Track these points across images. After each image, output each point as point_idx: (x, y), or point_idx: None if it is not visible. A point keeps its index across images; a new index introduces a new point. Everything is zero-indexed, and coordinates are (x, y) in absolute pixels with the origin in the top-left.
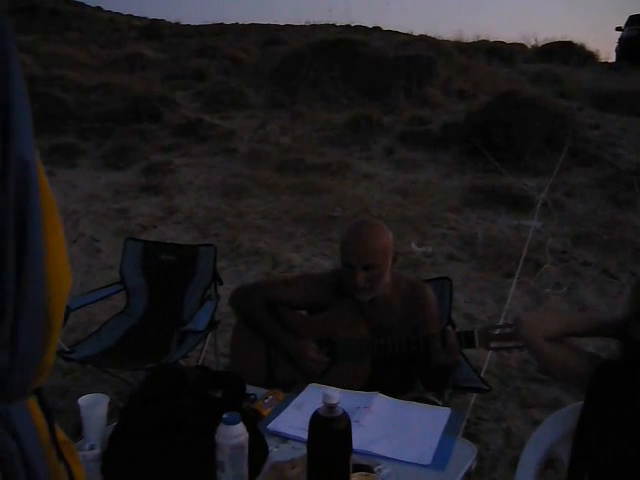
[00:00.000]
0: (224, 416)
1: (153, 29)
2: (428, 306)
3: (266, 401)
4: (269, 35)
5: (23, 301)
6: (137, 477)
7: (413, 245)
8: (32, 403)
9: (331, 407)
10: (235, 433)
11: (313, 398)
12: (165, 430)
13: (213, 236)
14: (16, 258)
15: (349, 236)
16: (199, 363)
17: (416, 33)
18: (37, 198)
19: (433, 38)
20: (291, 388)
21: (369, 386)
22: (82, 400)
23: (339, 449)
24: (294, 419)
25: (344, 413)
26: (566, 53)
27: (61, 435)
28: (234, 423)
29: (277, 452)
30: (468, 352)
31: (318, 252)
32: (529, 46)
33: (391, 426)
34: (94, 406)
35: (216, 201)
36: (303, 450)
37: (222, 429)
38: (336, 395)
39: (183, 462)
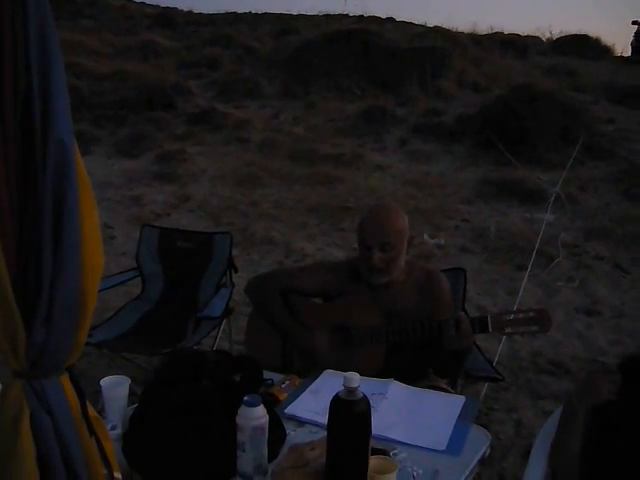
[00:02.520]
0: (245, 398)
1: (166, 17)
2: (442, 293)
3: (283, 386)
4: (282, 24)
5: (59, 280)
6: (158, 457)
7: (426, 236)
8: (65, 380)
9: (351, 390)
10: (256, 415)
11: (329, 384)
12: (185, 412)
13: (226, 224)
14: (53, 238)
15: (366, 217)
16: (213, 349)
17: (430, 24)
18: (74, 180)
19: (448, 30)
20: (307, 374)
21: (383, 372)
22: (104, 381)
23: (359, 432)
24: (310, 404)
25: (364, 396)
26: (581, 46)
27: (91, 411)
28: (255, 405)
29: (294, 435)
30: (480, 343)
31: (331, 242)
32: (544, 39)
33: (406, 412)
34: (116, 387)
35: (229, 190)
36: (320, 434)
37: (243, 411)
38: (356, 378)
39: (203, 443)
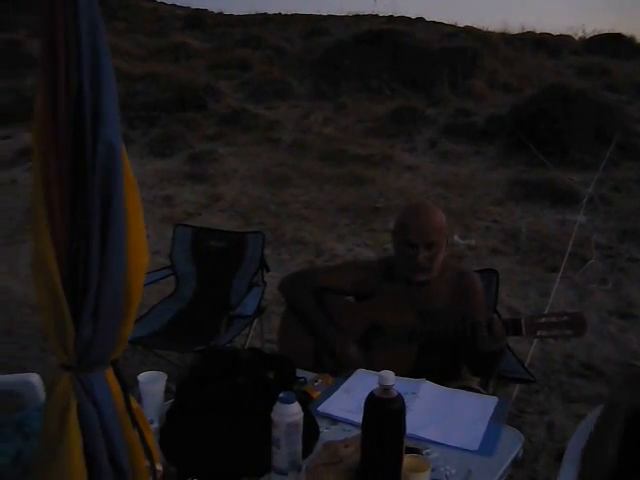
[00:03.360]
0: (281, 395)
1: (197, 19)
2: (475, 292)
3: (316, 384)
4: (312, 25)
5: (106, 278)
6: (194, 451)
7: (456, 237)
8: (109, 373)
9: (386, 388)
10: (291, 412)
11: (361, 382)
12: (221, 408)
13: (257, 224)
14: (101, 238)
15: (409, 216)
16: (245, 347)
17: (461, 24)
18: (121, 180)
19: (478, 29)
20: (338, 373)
21: (415, 372)
22: (142, 377)
23: (393, 430)
24: (343, 402)
25: (399, 395)
26: (615, 45)
27: (134, 404)
28: (290, 402)
29: (328, 433)
30: (512, 345)
31: (361, 242)
32: (576, 38)
33: (438, 412)
34: (153, 383)
35: (260, 190)
36: (353, 432)
37: (279, 407)
38: (391, 377)
39: (239, 438)
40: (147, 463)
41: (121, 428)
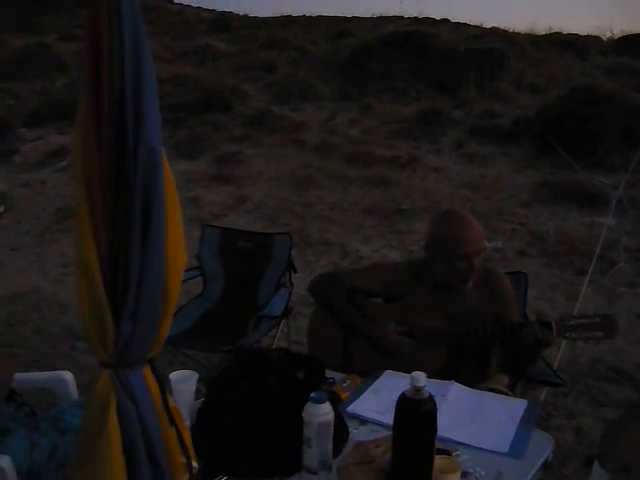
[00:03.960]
0: (312, 395)
1: (222, 21)
2: (504, 292)
3: (344, 385)
4: (337, 27)
5: (145, 277)
6: (225, 449)
7: None
8: (147, 371)
9: (418, 389)
10: (322, 411)
11: (390, 384)
12: (251, 406)
13: (282, 226)
14: (141, 238)
15: (454, 229)
16: (272, 348)
17: (486, 25)
18: (161, 182)
19: (505, 30)
20: (367, 374)
21: (444, 374)
22: (173, 376)
23: (425, 430)
24: (372, 403)
25: (430, 396)
26: None
27: (171, 402)
28: (322, 402)
29: (357, 433)
30: None
31: (386, 244)
32: (604, 38)
33: (468, 414)
34: (184, 381)
35: (286, 191)
36: (382, 432)
37: (310, 407)
38: (423, 377)
39: (269, 437)
40: (183, 460)
41: (159, 425)
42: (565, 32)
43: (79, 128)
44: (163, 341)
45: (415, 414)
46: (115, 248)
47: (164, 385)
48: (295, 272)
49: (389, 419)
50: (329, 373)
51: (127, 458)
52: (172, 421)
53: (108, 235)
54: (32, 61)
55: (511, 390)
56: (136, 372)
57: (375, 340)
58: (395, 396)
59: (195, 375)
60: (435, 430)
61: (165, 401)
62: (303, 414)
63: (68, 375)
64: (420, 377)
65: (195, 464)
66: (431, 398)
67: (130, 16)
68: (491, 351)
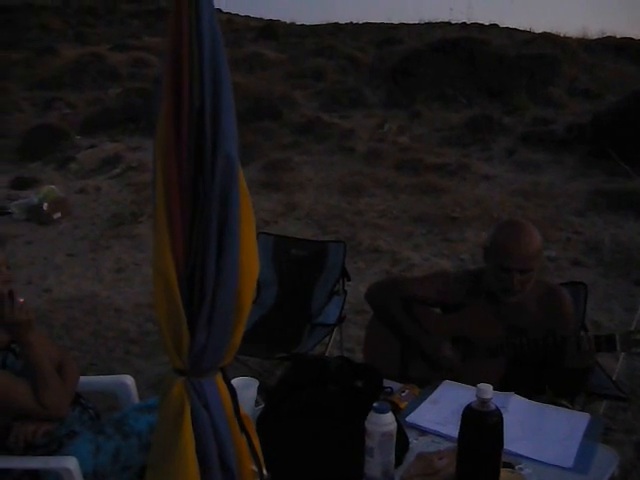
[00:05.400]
0: (375, 405)
1: (270, 29)
2: (564, 309)
3: (403, 395)
4: (384, 34)
5: (220, 286)
6: (286, 457)
7: None
8: (219, 379)
9: (484, 401)
10: (385, 421)
11: (448, 394)
12: (312, 414)
13: (332, 233)
14: (217, 246)
15: (506, 239)
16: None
17: (537, 30)
18: (237, 192)
19: (556, 35)
20: (423, 383)
21: (503, 386)
22: (234, 382)
23: (491, 443)
24: (431, 414)
25: (497, 408)
26: None
27: (242, 410)
28: (385, 412)
29: (417, 444)
30: (599, 360)
31: (437, 252)
32: None
33: (530, 427)
34: (245, 389)
35: (335, 199)
36: (443, 443)
37: (373, 417)
38: (489, 389)
39: (331, 446)
40: (254, 468)
41: (230, 432)
42: (619, 36)
43: (159, 141)
44: (236, 349)
45: (482, 426)
46: (192, 257)
47: (235, 393)
48: (349, 280)
49: (449, 430)
50: (386, 382)
51: (200, 463)
52: (243, 428)
53: (185, 244)
54: (86, 71)
55: (571, 402)
56: (209, 380)
57: (430, 355)
58: (454, 407)
59: (255, 382)
60: (502, 443)
61: (236, 409)
62: (366, 424)
63: (129, 379)
64: (487, 389)
65: (265, 472)
66: (498, 411)
67: (209, 25)
68: (549, 365)
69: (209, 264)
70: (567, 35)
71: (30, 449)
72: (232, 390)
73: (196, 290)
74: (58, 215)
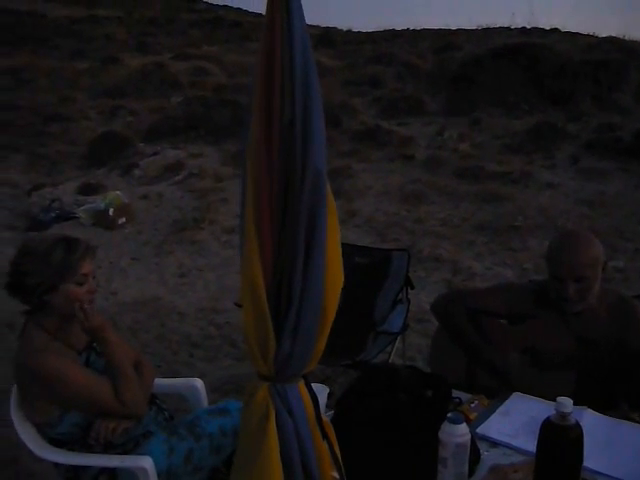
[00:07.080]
0: (449, 415)
1: (327, 37)
2: (637, 321)
3: (472, 405)
4: (442, 40)
5: (307, 295)
6: (357, 466)
7: None
8: (301, 386)
9: (564, 415)
10: (460, 432)
11: (519, 406)
12: (382, 423)
13: (392, 241)
14: (305, 257)
15: (558, 248)
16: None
17: (600, 34)
18: (325, 203)
19: (622, 39)
20: (490, 393)
21: (573, 399)
22: None
23: (571, 458)
24: (502, 425)
25: (577, 423)
26: None
27: (324, 417)
28: (459, 422)
29: (488, 456)
30: None
31: (500, 261)
32: None
33: (604, 442)
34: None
35: (395, 206)
36: (514, 456)
37: (447, 427)
38: (569, 403)
39: (402, 455)
40: (335, 475)
41: (312, 438)
42: None
43: (250, 154)
44: (319, 357)
45: (562, 441)
46: (280, 266)
47: (317, 399)
48: (412, 288)
49: (520, 443)
50: (454, 392)
51: (283, 468)
52: (325, 435)
53: (274, 254)
54: (148, 80)
55: None
56: (293, 386)
57: (498, 371)
58: (525, 419)
59: (326, 389)
60: (582, 458)
61: (318, 415)
62: (440, 434)
63: (199, 382)
64: (567, 403)
65: None
66: (578, 425)
67: (301, 35)
68: (622, 379)
69: (296, 275)
70: (633, 39)
71: (109, 447)
72: (314, 397)
73: (283, 299)
74: (123, 220)
